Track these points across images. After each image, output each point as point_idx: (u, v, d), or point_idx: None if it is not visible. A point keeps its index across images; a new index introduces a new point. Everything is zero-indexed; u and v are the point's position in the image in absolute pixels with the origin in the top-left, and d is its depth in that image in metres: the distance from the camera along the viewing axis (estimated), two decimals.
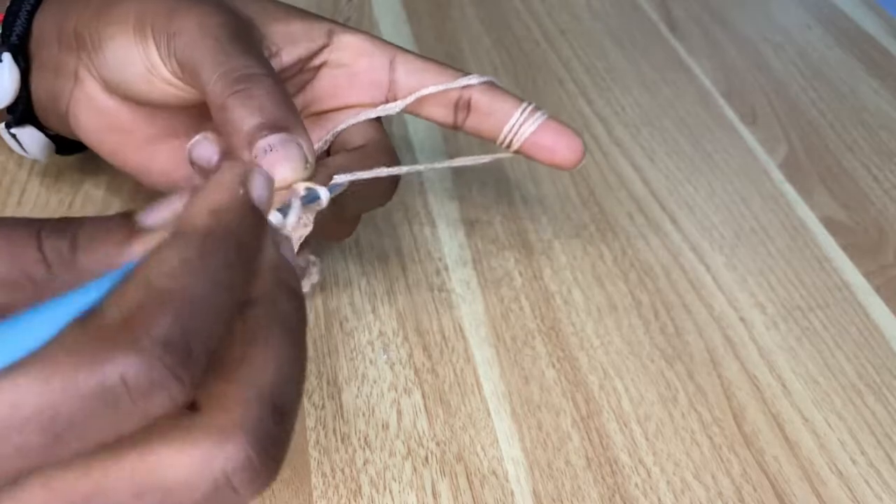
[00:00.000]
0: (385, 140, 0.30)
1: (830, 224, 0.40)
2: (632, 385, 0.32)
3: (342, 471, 0.28)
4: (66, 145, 0.34)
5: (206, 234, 0.17)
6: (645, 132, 0.45)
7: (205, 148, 0.27)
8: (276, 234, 0.21)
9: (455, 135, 0.43)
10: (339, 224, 0.30)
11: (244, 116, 0.24)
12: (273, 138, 0.24)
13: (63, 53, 0.29)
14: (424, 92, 0.30)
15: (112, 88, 0.29)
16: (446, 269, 0.36)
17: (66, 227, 0.19)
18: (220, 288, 0.17)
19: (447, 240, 0.37)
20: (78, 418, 0.15)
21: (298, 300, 0.20)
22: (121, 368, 0.15)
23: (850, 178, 0.43)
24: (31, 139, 0.32)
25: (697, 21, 0.55)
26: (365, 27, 0.51)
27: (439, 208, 0.39)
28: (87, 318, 0.15)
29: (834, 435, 0.31)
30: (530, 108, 0.30)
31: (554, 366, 0.32)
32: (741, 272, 0.37)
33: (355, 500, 0.27)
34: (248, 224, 0.18)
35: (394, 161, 0.29)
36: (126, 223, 0.19)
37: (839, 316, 0.35)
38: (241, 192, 0.18)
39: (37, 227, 0.18)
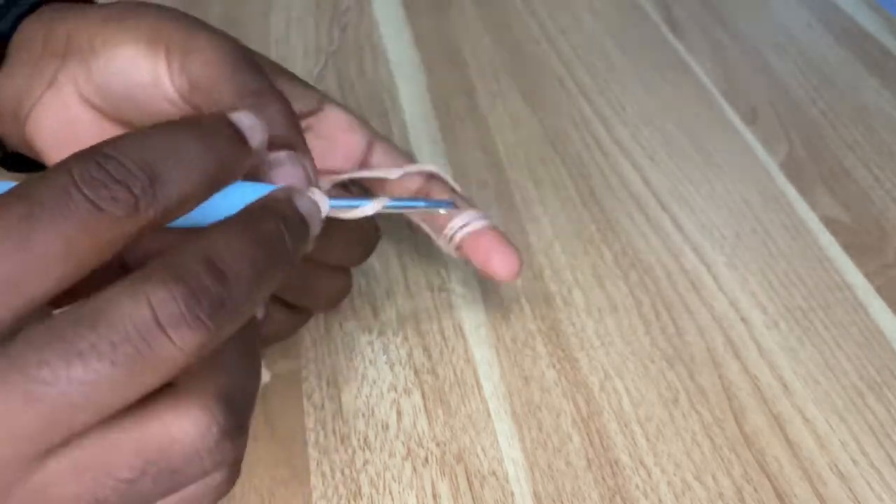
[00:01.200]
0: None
1: (831, 224, 0.40)
2: (632, 386, 0.32)
3: (342, 471, 0.28)
4: (9, 161, 0.33)
5: (174, 120, 0.20)
6: (645, 132, 0.45)
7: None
8: (297, 191, 0.23)
9: (451, 131, 0.43)
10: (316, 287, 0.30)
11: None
12: (281, 154, 0.24)
13: (45, 56, 0.29)
14: (397, 171, 0.32)
15: (99, 97, 0.29)
16: (446, 269, 0.36)
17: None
18: (177, 149, 0.19)
19: None
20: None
21: (278, 221, 0.21)
22: (67, 165, 0.17)
23: (851, 178, 0.43)
24: None
25: (698, 21, 0.55)
26: (365, 27, 0.51)
27: None
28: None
29: (835, 435, 0.31)
30: (475, 217, 0.31)
31: (554, 366, 0.32)
32: (742, 272, 0.37)
33: (355, 501, 0.27)
34: (215, 121, 0.21)
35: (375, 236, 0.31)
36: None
37: (840, 316, 0.35)
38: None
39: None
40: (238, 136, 0.21)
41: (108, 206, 0.17)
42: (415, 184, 0.32)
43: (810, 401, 0.32)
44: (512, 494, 0.28)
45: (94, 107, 0.29)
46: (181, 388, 0.18)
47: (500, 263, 0.30)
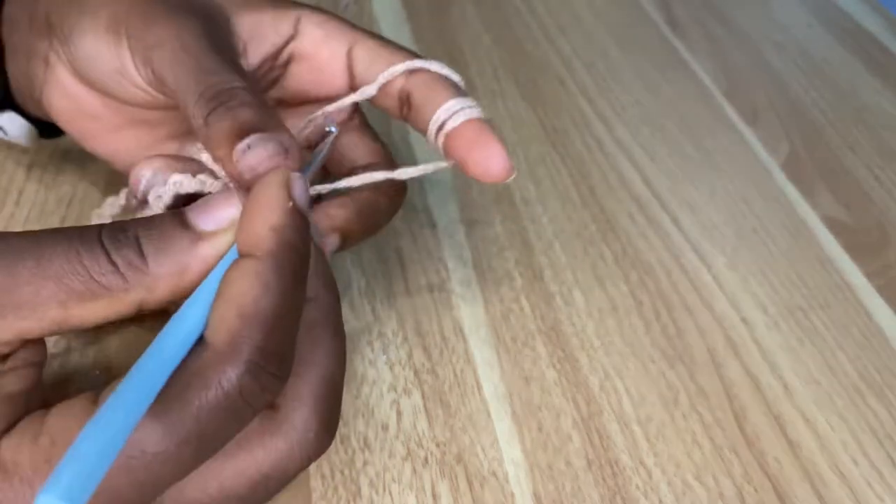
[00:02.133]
0: (390, 159, 0.30)
1: (832, 224, 0.40)
2: (633, 386, 0.32)
3: (341, 472, 0.28)
4: (50, 129, 0.34)
5: (274, 255, 0.21)
6: (646, 131, 0.45)
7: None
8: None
9: None
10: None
11: (223, 129, 0.24)
12: (250, 139, 0.24)
13: (34, 38, 0.29)
14: (372, 87, 0.28)
15: (81, 78, 0.29)
16: (446, 269, 0.36)
17: (124, 235, 0.22)
18: (294, 298, 0.21)
19: (447, 240, 0.37)
20: (211, 430, 0.19)
21: (335, 290, 0.24)
22: (236, 380, 0.19)
23: (852, 178, 0.43)
24: (12, 124, 0.32)
25: (698, 20, 0.55)
26: (364, 26, 0.51)
27: (439, 208, 0.38)
28: (198, 352, 0.20)
29: (836, 436, 0.31)
30: (459, 106, 0.27)
31: (554, 366, 0.32)
32: (742, 272, 0.37)
33: (355, 502, 0.27)
34: (302, 232, 0.22)
35: (401, 190, 0.29)
36: (184, 228, 0.23)
37: (841, 316, 0.35)
38: (290, 204, 0.22)
39: (97, 237, 0.22)
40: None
41: (262, 404, 0.21)
42: (397, 83, 0.29)
43: (811, 401, 0.32)
44: (512, 495, 0.28)
45: (84, 84, 0.29)
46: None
47: (479, 160, 0.26)
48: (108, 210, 0.28)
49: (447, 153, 0.27)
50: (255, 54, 0.29)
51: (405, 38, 0.50)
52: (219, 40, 0.27)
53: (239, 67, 0.26)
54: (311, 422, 0.22)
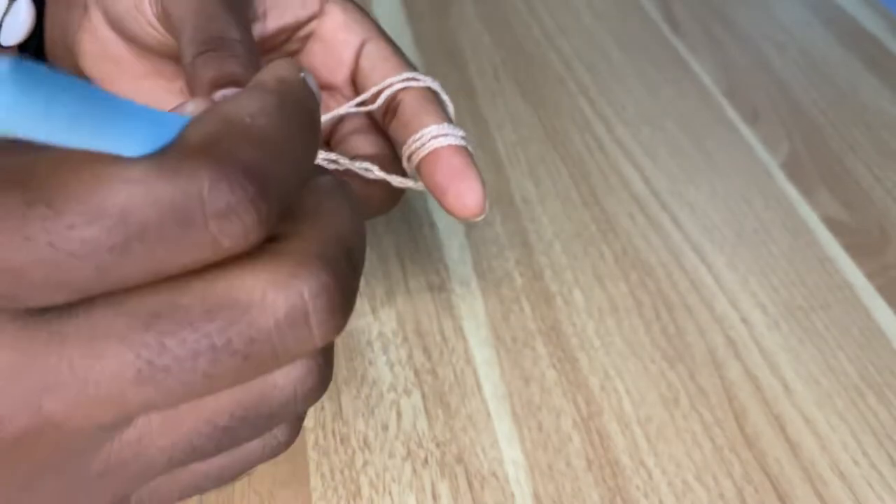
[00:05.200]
0: (396, 161, 0.29)
1: (832, 224, 0.40)
2: (633, 386, 0.32)
3: (341, 472, 0.28)
4: None
5: (279, 91, 0.17)
6: (646, 131, 0.45)
7: None
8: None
9: None
10: None
11: (207, 74, 0.24)
12: (229, 90, 0.23)
13: None
14: (386, 92, 0.28)
15: (109, 20, 0.30)
16: (446, 269, 0.36)
17: None
18: (296, 140, 0.16)
19: (447, 240, 0.37)
20: (150, 228, 0.14)
21: (348, 189, 0.19)
22: (199, 183, 0.14)
23: (852, 178, 0.43)
24: None
25: (699, 20, 0.55)
26: None
27: (439, 208, 0.38)
28: (169, 144, 0.15)
29: (836, 436, 0.31)
30: (445, 131, 0.25)
31: (554, 367, 0.32)
32: (743, 272, 0.37)
33: (355, 502, 0.27)
34: (311, 98, 0.18)
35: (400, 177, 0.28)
36: None
37: (841, 316, 0.35)
38: (302, 74, 0.18)
39: None
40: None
41: (227, 242, 0.15)
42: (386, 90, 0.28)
43: (811, 401, 0.32)
44: (512, 495, 0.28)
45: (114, 29, 0.30)
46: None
47: (455, 197, 0.25)
48: None
49: (424, 176, 0.26)
50: (274, 21, 0.29)
51: (406, 39, 0.50)
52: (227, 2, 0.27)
53: (243, 22, 0.27)
54: (315, 263, 0.15)
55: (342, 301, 0.15)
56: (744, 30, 0.54)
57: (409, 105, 0.27)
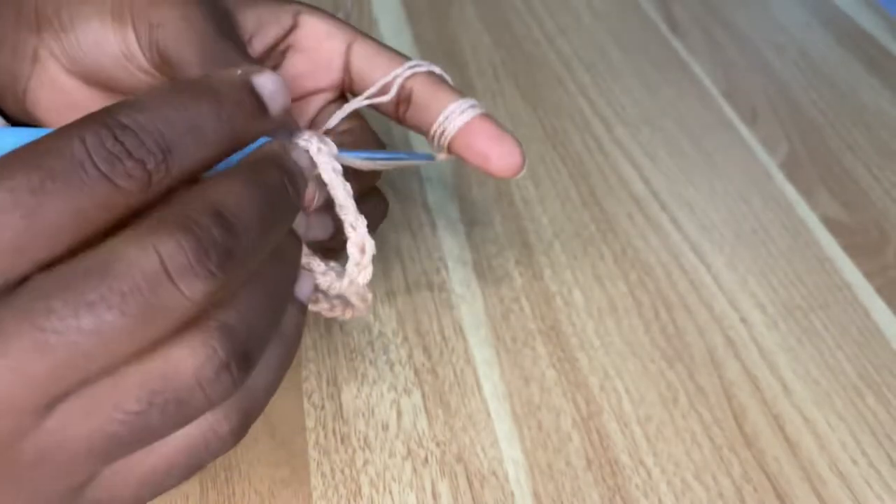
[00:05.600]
0: (366, 125, 0.31)
1: (831, 224, 0.40)
2: (632, 386, 0.32)
3: (342, 471, 0.28)
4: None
5: (193, 81, 0.19)
6: (645, 132, 0.45)
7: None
8: (291, 144, 0.23)
9: None
10: None
11: None
12: None
13: (22, 33, 0.29)
14: (376, 87, 0.29)
15: (78, 70, 0.28)
16: (446, 269, 0.36)
17: None
18: (196, 125, 0.18)
19: (447, 240, 0.37)
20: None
21: (281, 172, 0.21)
22: (80, 132, 0.17)
23: (851, 178, 0.43)
24: None
25: (698, 20, 0.55)
26: (364, 27, 0.51)
27: (439, 208, 0.39)
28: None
29: (835, 435, 0.31)
30: (468, 105, 0.28)
31: (554, 366, 0.32)
32: (742, 272, 0.37)
33: (355, 501, 0.27)
34: (236, 90, 0.20)
35: (379, 144, 0.30)
36: None
37: (840, 316, 0.35)
38: (239, 73, 0.20)
39: None
40: (258, 105, 0.20)
41: (123, 182, 0.17)
42: (394, 83, 0.30)
43: (810, 401, 0.32)
44: (512, 494, 0.28)
45: (79, 77, 0.29)
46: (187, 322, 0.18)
47: (499, 158, 0.27)
48: None
49: (461, 149, 0.28)
50: (259, 43, 0.29)
51: (406, 39, 0.50)
52: (225, 25, 0.27)
53: (246, 52, 0.27)
54: (168, 223, 0.17)
55: (202, 263, 0.17)
56: (743, 30, 0.55)
57: (422, 90, 0.29)
